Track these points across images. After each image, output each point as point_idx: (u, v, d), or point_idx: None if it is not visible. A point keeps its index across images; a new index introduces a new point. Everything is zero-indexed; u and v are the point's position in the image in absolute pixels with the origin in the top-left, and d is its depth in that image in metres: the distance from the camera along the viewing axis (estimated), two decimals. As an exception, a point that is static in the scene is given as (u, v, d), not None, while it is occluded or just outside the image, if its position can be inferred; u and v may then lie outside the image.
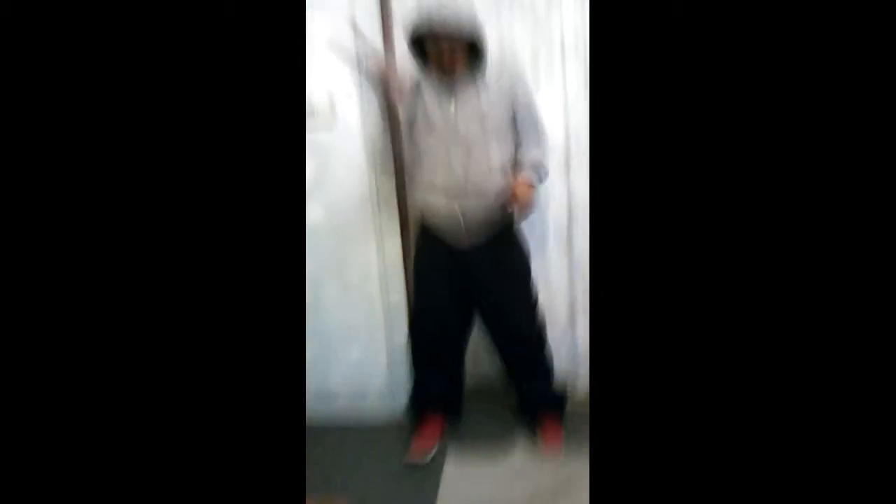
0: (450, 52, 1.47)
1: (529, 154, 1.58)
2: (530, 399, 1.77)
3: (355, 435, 1.88)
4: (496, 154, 1.53)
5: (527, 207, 1.53)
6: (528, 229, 1.80)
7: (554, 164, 1.76)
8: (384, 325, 1.90)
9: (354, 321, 1.92)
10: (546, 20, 1.73)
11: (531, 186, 1.52)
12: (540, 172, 1.58)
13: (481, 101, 1.52)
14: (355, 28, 1.65)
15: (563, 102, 1.75)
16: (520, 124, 1.57)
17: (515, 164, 1.58)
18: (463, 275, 1.61)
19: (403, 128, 1.62)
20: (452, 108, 1.52)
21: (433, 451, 1.72)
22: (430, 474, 1.65)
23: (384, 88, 1.61)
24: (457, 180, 1.52)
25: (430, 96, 1.54)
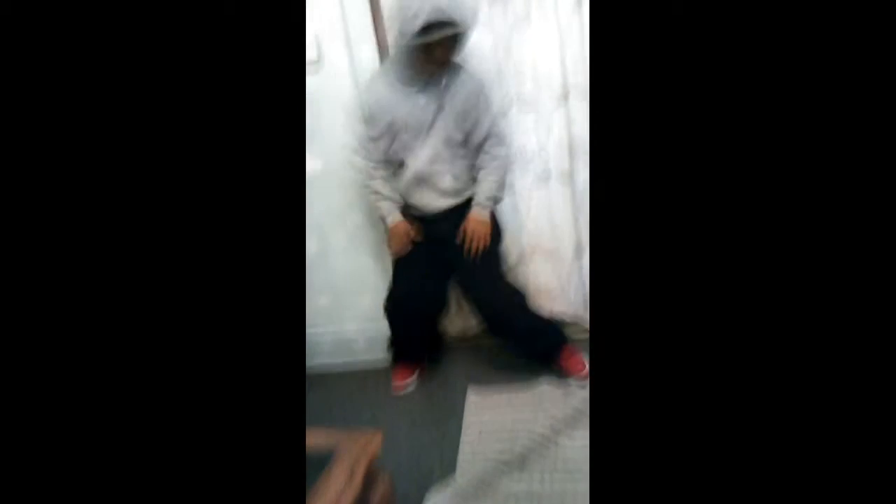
0: (446, 44, 1.40)
1: (488, 168, 1.60)
2: (538, 353, 1.79)
3: (375, 378, 1.95)
4: (447, 142, 1.56)
5: (482, 242, 1.61)
6: (528, 165, 1.79)
7: (551, 97, 1.71)
8: (390, 271, 1.92)
9: (363, 269, 1.94)
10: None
11: (483, 223, 1.61)
12: (497, 194, 1.63)
13: (451, 100, 1.50)
14: None
15: (557, 33, 1.66)
16: (480, 130, 1.57)
17: (473, 181, 1.64)
18: (433, 242, 1.68)
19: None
20: (421, 100, 1.50)
21: (412, 384, 1.90)
22: (452, 407, 1.73)
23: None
24: (411, 169, 1.58)
25: (400, 91, 1.50)
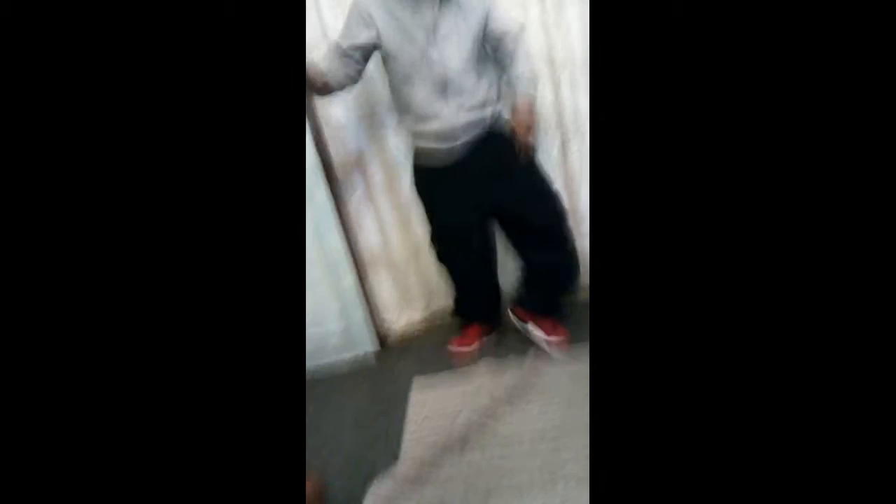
0: None
1: (516, 69, 1.53)
2: (538, 296, 1.81)
3: (320, 382, 1.95)
4: (482, 88, 1.53)
5: (533, 132, 1.53)
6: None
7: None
8: (326, 272, 1.93)
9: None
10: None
11: (532, 111, 1.52)
12: (534, 82, 1.55)
13: (457, 24, 1.46)
14: None
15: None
16: (498, 43, 1.53)
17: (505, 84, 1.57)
18: (467, 179, 1.59)
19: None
20: (424, 36, 1.45)
21: (475, 352, 1.87)
22: (397, 399, 1.74)
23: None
24: (446, 126, 1.53)
25: (394, 22, 1.45)
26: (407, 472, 1.43)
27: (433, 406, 1.67)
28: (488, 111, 1.57)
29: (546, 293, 1.81)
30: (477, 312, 1.92)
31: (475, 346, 1.89)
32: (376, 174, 1.99)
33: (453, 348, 1.89)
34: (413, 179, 1.73)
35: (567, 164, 1.99)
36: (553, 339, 1.79)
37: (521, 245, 1.75)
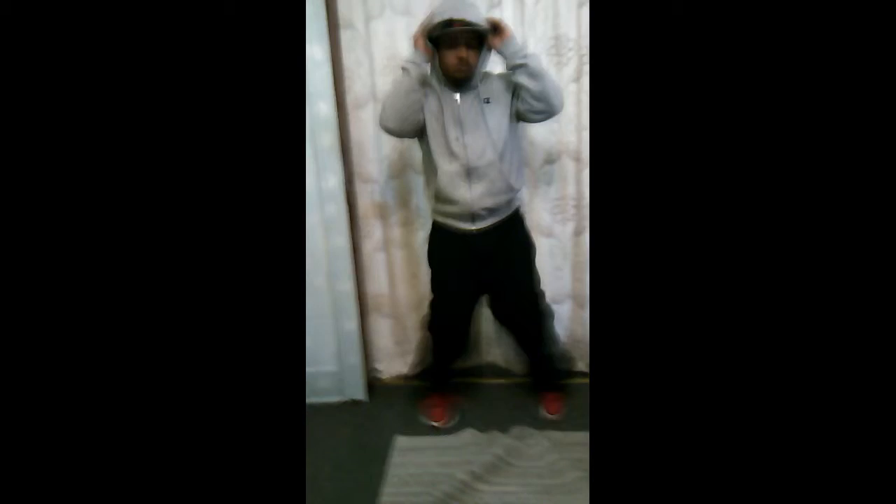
0: (467, 55, 1.54)
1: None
2: (534, 368, 1.97)
3: (310, 416, 1.97)
4: (495, 131, 1.61)
5: (507, 34, 1.56)
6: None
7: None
8: (332, 313, 1.99)
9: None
10: None
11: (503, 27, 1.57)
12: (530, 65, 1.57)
13: (486, 107, 1.60)
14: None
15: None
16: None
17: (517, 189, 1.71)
18: (473, 260, 1.72)
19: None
20: (457, 97, 1.60)
21: (454, 419, 1.92)
22: (378, 452, 1.76)
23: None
24: (460, 162, 1.61)
25: (433, 104, 1.61)
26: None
27: (413, 470, 1.68)
28: (510, 197, 1.69)
29: (533, 363, 1.96)
30: (445, 381, 1.98)
31: (447, 416, 1.93)
32: (394, 226, 2.08)
33: (430, 421, 1.92)
34: (428, 246, 1.82)
35: (580, 245, 2.08)
36: (547, 403, 1.92)
37: (505, 318, 1.88)
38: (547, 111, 1.60)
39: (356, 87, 1.92)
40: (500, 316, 1.88)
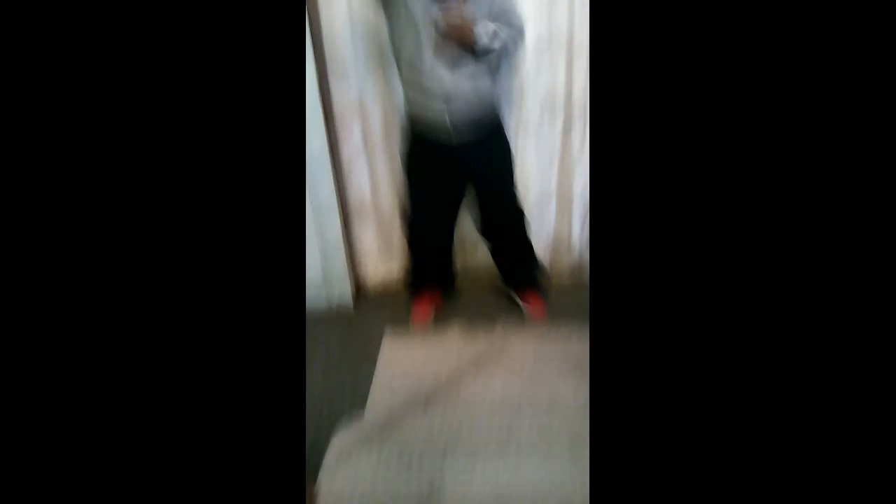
0: None
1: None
2: (514, 277, 1.98)
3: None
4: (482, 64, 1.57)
5: (462, 32, 1.51)
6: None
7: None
8: (314, 220, 1.94)
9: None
10: None
11: (468, 24, 1.51)
12: (500, 34, 1.56)
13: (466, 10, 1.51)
14: None
15: None
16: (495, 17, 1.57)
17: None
18: (452, 171, 1.70)
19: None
20: (439, 19, 1.51)
21: (431, 319, 1.96)
22: (367, 351, 1.79)
23: None
24: (443, 89, 1.56)
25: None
26: (371, 424, 1.49)
27: (402, 363, 1.73)
28: (488, 96, 1.64)
29: (514, 272, 1.97)
30: (430, 278, 1.98)
31: (430, 315, 1.96)
32: (374, 124, 1.98)
33: (413, 316, 1.96)
34: (405, 158, 1.76)
35: (568, 143, 2.00)
36: (530, 306, 1.93)
37: (485, 229, 1.88)
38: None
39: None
40: (482, 227, 1.87)
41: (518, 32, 1.62)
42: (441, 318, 1.97)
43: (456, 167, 1.69)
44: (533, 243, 1.95)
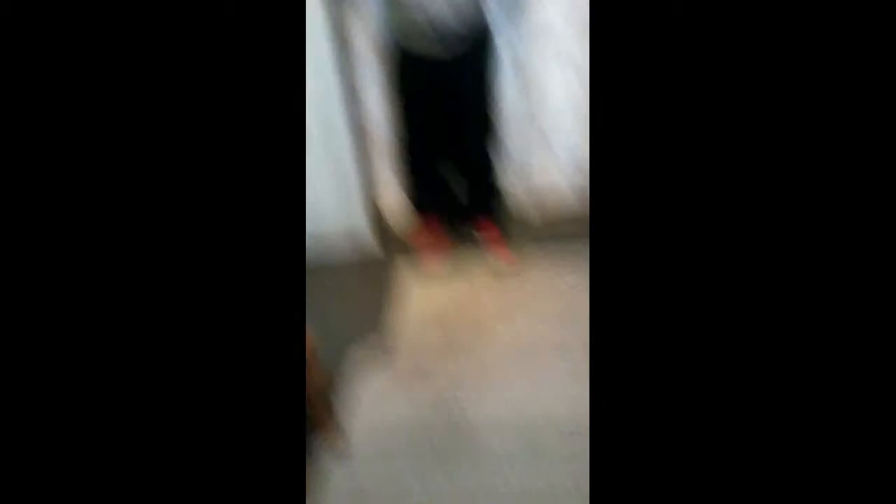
0: None
1: None
2: (474, 203, 1.89)
3: (317, 274, 1.99)
4: None
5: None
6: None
7: None
8: (328, 160, 1.89)
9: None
10: None
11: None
12: None
13: None
14: None
15: None
16: None
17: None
18: (441, 88, 1.63)
19: None
20: None
21: (445, 255, 1.91)
22: (392, 297, 1.80)
23: None
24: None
25: None
26: (402, 368, 1.52)
27: (431, 306, 1.73)
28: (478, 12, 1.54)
29: (475, 194, 1.88)
30: (432, 206, 1.90)
31: (444, 243, 1.92)
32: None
33: (424, 253, 1.91)
34: (393, 78, 1.67)
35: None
36: (485, 235, 1.88)
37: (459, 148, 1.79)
38: None
39: None
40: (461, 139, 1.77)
41: None
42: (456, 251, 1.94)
43: (446, 83, 1.62)
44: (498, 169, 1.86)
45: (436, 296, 1.78)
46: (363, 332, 1.67)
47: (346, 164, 1.91)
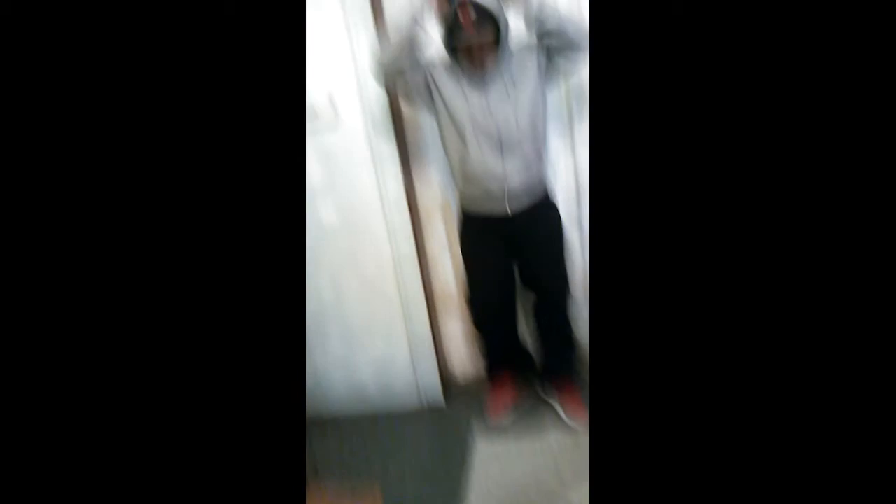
0: (479, 47, 1.48)
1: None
2: (553, 363, 1.86)
3: (387, 423, 1.97)
4: (530, 143, 1.57)
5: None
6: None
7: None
8: (403, 318, 1.96)
9: (375, 317, 1.98)
10: None
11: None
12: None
13: (512, 90, 1.53)
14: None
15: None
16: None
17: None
18: (508, 244, 1.68)
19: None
20: (486, 103, 1.53)
21: (510, 408, 1.88)
22: (460, 456, 1.73)
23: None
24: (498, 176, 1.57)
25: (454, 90, 1.55)
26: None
27: (498, 473, 1.64)
28: (542, 172, 1.64)
29: (554, 354, 1.85)
30: (503, 361, 1.90)
31: (510, 403, 1.88)
32: (456, 221, 2.01)
33: (489, 406, 1.88)
34: (460, 238, 1.76)
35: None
36: (569, 406, 1.80)
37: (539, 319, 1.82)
38: (573, 47, 1.50)
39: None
40: (529, 282, 1.78)
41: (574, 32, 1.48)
42: (523, 405, 1.88)
43: (509, 239, 1.66)
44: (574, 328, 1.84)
45: (505, 454, 1.69)
46: (432, 489, 1.59)
47: (419, 325, 1.98)
